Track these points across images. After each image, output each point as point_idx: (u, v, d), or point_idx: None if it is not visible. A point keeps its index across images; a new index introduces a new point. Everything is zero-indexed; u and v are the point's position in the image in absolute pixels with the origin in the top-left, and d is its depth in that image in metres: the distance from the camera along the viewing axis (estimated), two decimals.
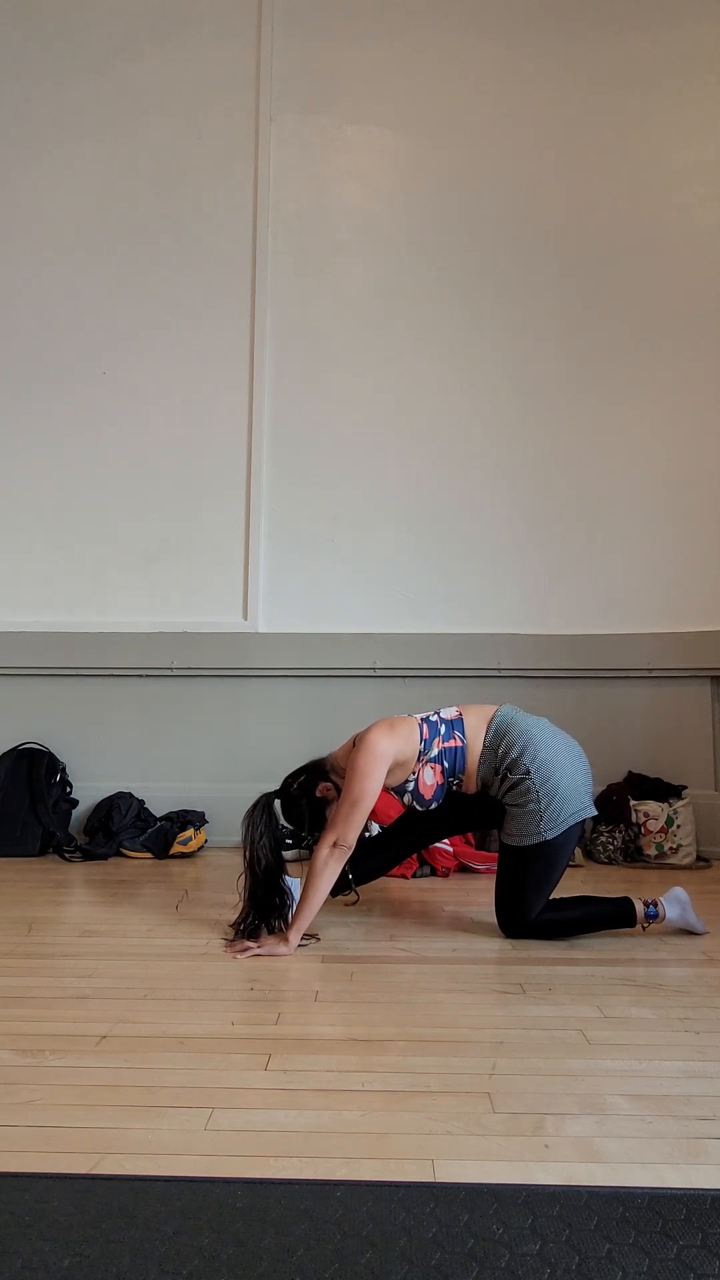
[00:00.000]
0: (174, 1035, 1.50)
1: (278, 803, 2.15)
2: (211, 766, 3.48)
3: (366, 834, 2.98)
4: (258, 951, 1.95)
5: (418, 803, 2.14)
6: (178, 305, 3.78)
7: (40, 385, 3.79)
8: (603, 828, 3.16)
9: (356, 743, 2.09)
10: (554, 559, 3.57)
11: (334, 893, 2.18)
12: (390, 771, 2.08)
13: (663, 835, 3.07)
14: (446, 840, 2.94)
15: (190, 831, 3.21)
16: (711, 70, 3.67)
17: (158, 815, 3.36)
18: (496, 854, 2.99)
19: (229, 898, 2.45)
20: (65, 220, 3.85)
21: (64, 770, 3.48)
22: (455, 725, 2.13)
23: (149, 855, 3.17)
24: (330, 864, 1.98)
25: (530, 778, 2.03)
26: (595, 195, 3.70)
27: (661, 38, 3.70)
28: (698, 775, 3.35)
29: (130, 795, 3.39)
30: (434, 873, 2.90)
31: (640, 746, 3.42)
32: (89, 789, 3.47)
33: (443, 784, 2.11)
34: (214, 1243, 0.92)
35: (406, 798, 2.14)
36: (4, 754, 3.48)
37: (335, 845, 1.98)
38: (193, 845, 3.21)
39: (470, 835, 3.12)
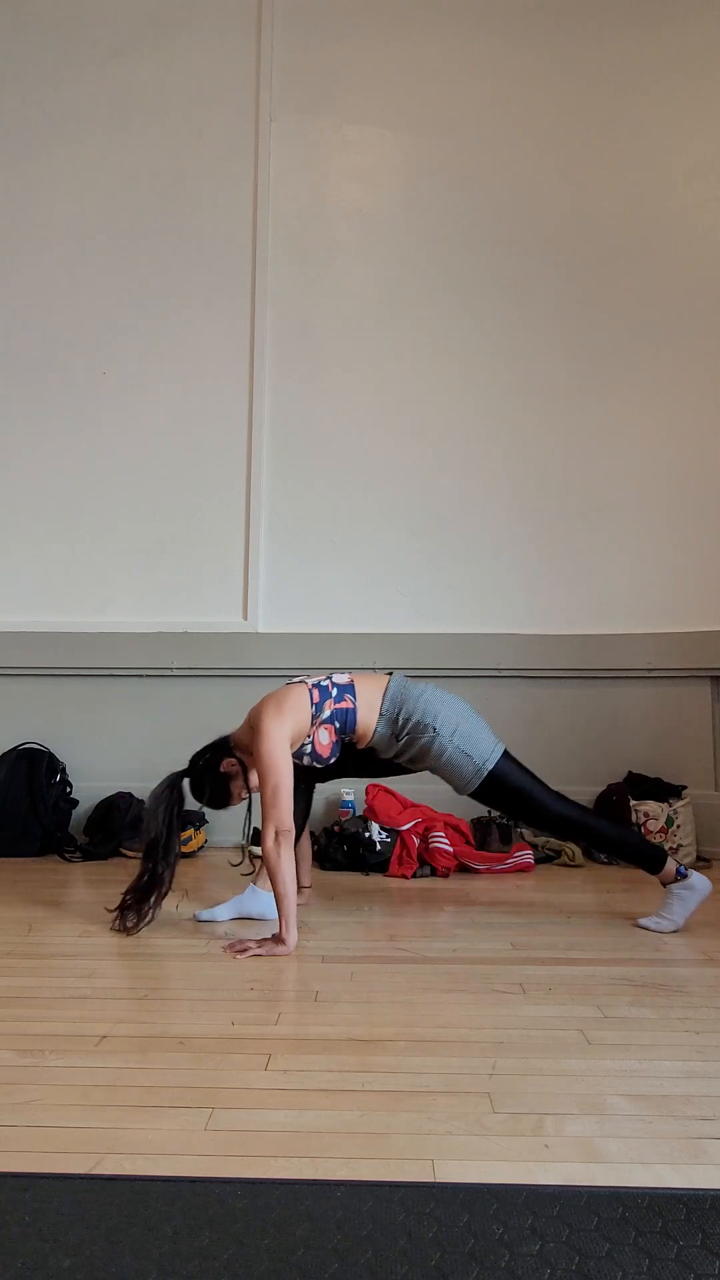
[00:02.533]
0: (174, 1035, 1.49)
1: (186, 781, 2.22)
2: None
3: (367, 834, 2.99)
4: (257, 951, 1.96)
5: (316, 762, 2.21)
6: (178, 305, 3.78)
7: (40, 385, 3.79)
8: None
9: (254, 726, 2.13)
10: (554, 559, 3.57)
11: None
12: None
13: (663, 835, 3.07)
14: (446, 841, 2.94)
15: (190, 831, 3.21)
16: (712, 70, 3.67)
17: None
18: (497, 854, 3.00)
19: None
20: (65, 220, 3.85)
21: (64, 770, 3.48)
22: (346, 689, 2.22)
23: None
24: (283, 852, 2.03)
25: (439, 734, 2.14)
26: (596, 194, 3.70)
27: (662, 37, 3.70)
28: (698, 775, 3.35)
29: (130, 795, 3.38)
30: (434, 873, 2.89)
31: (640, 746, 3.42)
32: (89, 789, 3.47)
33: (337, 741, 2.20)
34: (214, 1243, 0.92)
35: (305, 759, 2.20)
36: (4, 754, 3.47)
37: (277, 834, 2.03)
38: (193, 845, 3.21)
39: (470, 835, 3.12)
